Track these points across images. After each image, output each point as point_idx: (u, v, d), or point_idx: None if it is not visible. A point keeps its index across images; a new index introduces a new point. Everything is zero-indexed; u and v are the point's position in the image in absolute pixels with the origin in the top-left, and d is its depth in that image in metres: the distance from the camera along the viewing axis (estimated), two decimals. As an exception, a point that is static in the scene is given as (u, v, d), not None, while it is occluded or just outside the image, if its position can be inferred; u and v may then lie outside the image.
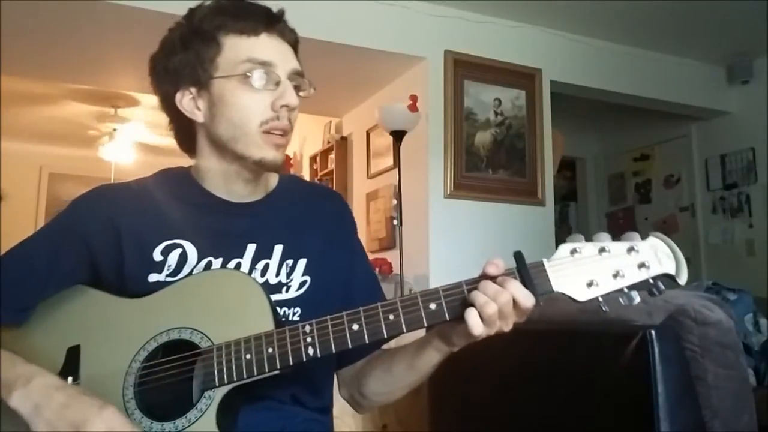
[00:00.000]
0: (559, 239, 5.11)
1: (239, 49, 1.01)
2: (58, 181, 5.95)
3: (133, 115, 5.05)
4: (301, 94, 1.05)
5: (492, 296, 0.85)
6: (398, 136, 3.20)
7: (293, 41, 1.07)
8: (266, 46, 1.02)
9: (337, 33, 3.27)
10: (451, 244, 3.44)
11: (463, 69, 3.59)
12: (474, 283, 0.88)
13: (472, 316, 0.85)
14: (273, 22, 1.03)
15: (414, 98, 3.21)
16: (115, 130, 5.17)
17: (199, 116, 1.04)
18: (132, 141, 5.32)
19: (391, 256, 3.45)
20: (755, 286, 3.42)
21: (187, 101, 1.04)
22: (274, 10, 1.05)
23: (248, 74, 1.00)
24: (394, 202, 3.53)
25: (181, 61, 1.03)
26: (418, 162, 3.49)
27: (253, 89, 1.00)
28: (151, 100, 4.75)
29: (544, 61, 3.81)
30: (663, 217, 5.00)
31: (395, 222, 3.47)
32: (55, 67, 3.73)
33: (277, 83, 1.01)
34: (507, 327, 0.88)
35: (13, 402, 0.90)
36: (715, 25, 3.80)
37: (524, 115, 3.73)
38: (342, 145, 4.41)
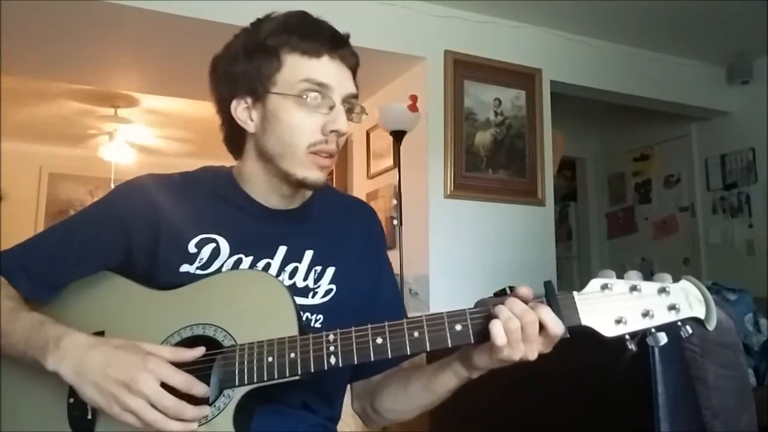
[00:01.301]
0: (559, 239, 5.11)
1: (299, 68, 1.02)
2: (58, 181, 5.94)
3: (132, 115, 5.04)
4: (351, 117, 1.06)
5: (518, 314, 0.85)
6: (398, 136, 3.20)
7: (354, 65, 1.09)
8: (326, 68, 1.03)
9: (337, 33, 3.26)
10: (451, 244, 3.44)
11: (463, 69, 3.58)
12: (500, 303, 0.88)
13: (495, 326, 0.85)
14: (336, 47, 1.05)
15: (414, 98, 3.21)
16: (115, 130, 5.16)
17: (251, 126, 1.06)
18: (132, 141, 5.30)
19: (391, 256, 3.39)
20: (755, 286, 3.43)
21: (241, 110, 1.06)
22: (340, 31, 1.07)
23: (304, 95, 1.01)
24: (394, 202, 3.53)
25: (241, 71, 1.04)
26: (418, 162, 3.49)
27: (306, 110, 1.02)
28: (151, 100, 4.77)
29: (544, 61, 3.81)
30: (663, 217, 5.00)
31: (395, 222, 3.47)
32: (54, 67, 3.73)
33: (331, 107, 1.03)
34: (531, 354, 0.87)
35: (49, 365, 0.90)
36: (715, 25, 3.80)
37: (524, 115, 3.73)
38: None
